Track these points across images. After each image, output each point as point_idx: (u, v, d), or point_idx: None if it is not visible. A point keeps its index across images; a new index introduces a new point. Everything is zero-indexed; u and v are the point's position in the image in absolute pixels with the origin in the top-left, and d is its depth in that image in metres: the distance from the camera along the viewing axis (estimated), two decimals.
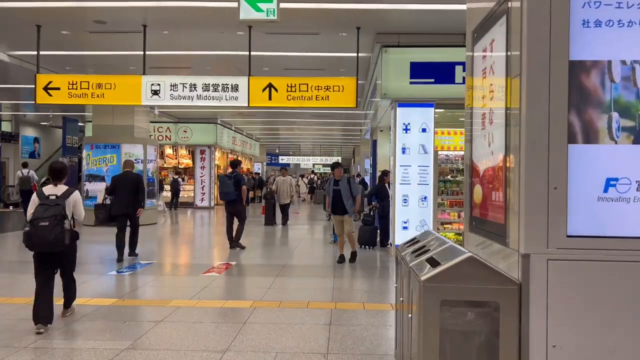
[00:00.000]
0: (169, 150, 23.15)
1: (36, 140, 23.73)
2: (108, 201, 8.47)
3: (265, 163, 39.74)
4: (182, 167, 23.37)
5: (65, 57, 10.87)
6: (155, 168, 14.85)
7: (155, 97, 8.66)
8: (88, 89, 8.65)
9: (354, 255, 8.53)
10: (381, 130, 13.87)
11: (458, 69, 8.94)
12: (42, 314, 4.59)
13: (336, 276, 7.34)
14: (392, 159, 9.56)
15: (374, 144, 14.42)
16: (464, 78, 8.96)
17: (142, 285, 6.69)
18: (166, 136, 22.05)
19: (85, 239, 10.08)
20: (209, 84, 8.63)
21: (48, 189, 4.66)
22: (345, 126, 24.94)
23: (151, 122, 21.59)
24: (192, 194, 22.16)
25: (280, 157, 45.58)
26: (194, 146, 22.24)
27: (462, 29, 3.73)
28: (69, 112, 20.35)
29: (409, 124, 9.26)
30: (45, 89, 8.67)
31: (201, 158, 22.23)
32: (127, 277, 7.20)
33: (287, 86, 8.56)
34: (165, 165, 22.90)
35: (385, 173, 10.31)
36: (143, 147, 14.35)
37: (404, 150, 9.27)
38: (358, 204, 8.31)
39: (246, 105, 8.61)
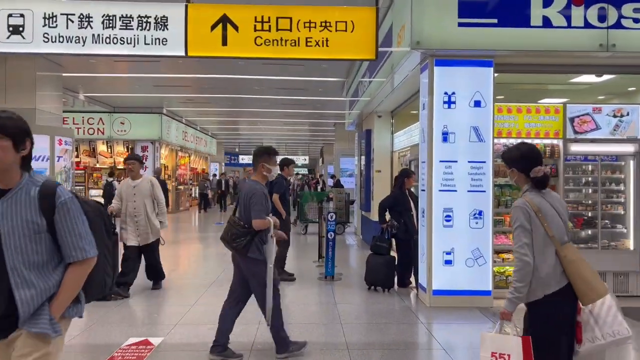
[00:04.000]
0: (102, 147, 18.87)
1: None
2: None
3: (223, 163, 35.59)
4: (120, 167, 19.10)
5: None
6: (66, 168, 10.74)
7: (17, 37, 4.79)
8: None
9: None
10: (379, 116, 10.32)
11: (535, 2, 5.49)
12: None
13: None
14: (423, 149, 6.00)
15: (367, 135, 10.89)
16: (545, 18, 5.52)
17: None
18: (98, 129, 17.92)
19: None
20: (114, 16, 4.83)
21: None
22: (315, 119, 21.31)
23: (79, 111, 17.50)
24: None
25: (240, 157, 41.52)
26: (134, 141, 18.15)
27: None
28: None
29: (453, 93, 5.73)
30: None
31: (143, 156, 18.11)
32: None
33: (256, 21, 4.86)
34: (98, 166, 18.66)
35: (407, 174, 6.73)
36: (50, 139, 10.26)
37: (445, 136, 5.74)
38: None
39: (182, 54, 4.87)
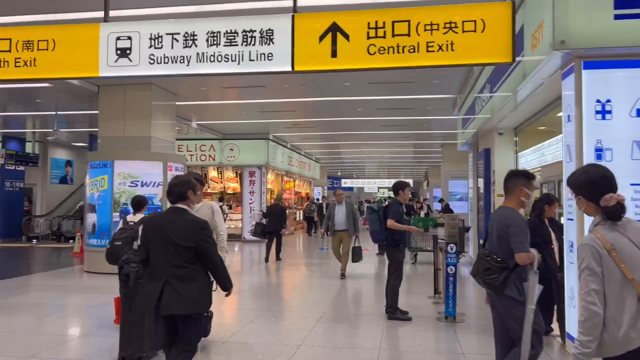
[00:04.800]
0: (213, 173, 19.54)
1: (68, 163, 20.92)
2: (264, 221, 12.37)
3: (326, 187, 35.63)
4: (230, 192, 19.63)
5: None
6: None
7: (124, 60, 4.69)
8: (9, 51, 4.83)
9: None
10: (500, 134, 9.27)
11: None
12: None
13: None
14: (570, 170, 4.97)
15: (486, 155, 9.85)
16: None
17: None
18: (210, 156, 18.54)
19: None
20: (219, 32, 4.55)
21: (130, 217, 5.48)
22: (421, 140, 20.37)
23: (192, 139, 18.30)
24: (240, 225, 18.32)
25: (343, 181, 41.43)
26: (242, 167, 18.54)
27: None
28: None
29: (608, 101, 4.70)
30: None
31: (250, 181, 18.44)
32: None
33: (369, 28, 4.30)
34: (209, 191, 19.29)
35: (549, 200, 5.68)
36: (163, 165, 10.55)
37: (599, 153, 4.69)
38: None
39: (289, 69, 4.44)
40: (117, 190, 9.59)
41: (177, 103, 12.00)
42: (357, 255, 9.46)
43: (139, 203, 5.61)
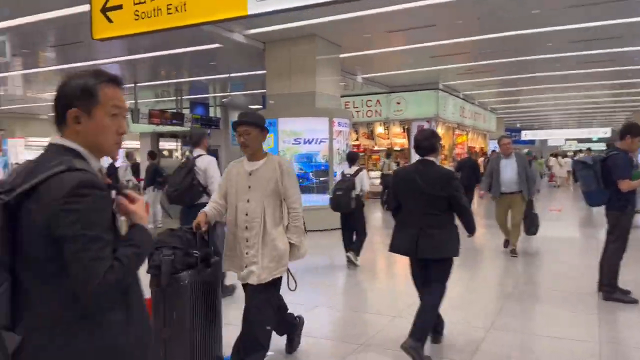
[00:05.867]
0: (379, 129, 18.87)
1: None
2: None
3: None
4: (397, 149, 18.77)
5: None
6: (340, 150, 10.43)
7: None
8: None
9: None
10: None
11: None
12: None
13: None
14: None
15: None
16: None
17: None
18: (376, 111, 17.89)
19: None
20: None
21: (347, 170, 6.74)
22: (624, 79, 16.79)
23: (358, 95, 17.81)
24: None
25: (522, 133, 37.54)
26: (410, 121, 17.50)
27: None
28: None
29: None
30: (104, 10, 4.94)
31: None
32: None
33: None
34: (376, 148, 18.74)
35: None
36: (328, 121, 10.15)
37: None
38: None
39: None
40: (281, 148, 9.47)
41: (341, 55, 11.44)
42: (533, 226, 7.50)
43: (352, 158, 6.91)
